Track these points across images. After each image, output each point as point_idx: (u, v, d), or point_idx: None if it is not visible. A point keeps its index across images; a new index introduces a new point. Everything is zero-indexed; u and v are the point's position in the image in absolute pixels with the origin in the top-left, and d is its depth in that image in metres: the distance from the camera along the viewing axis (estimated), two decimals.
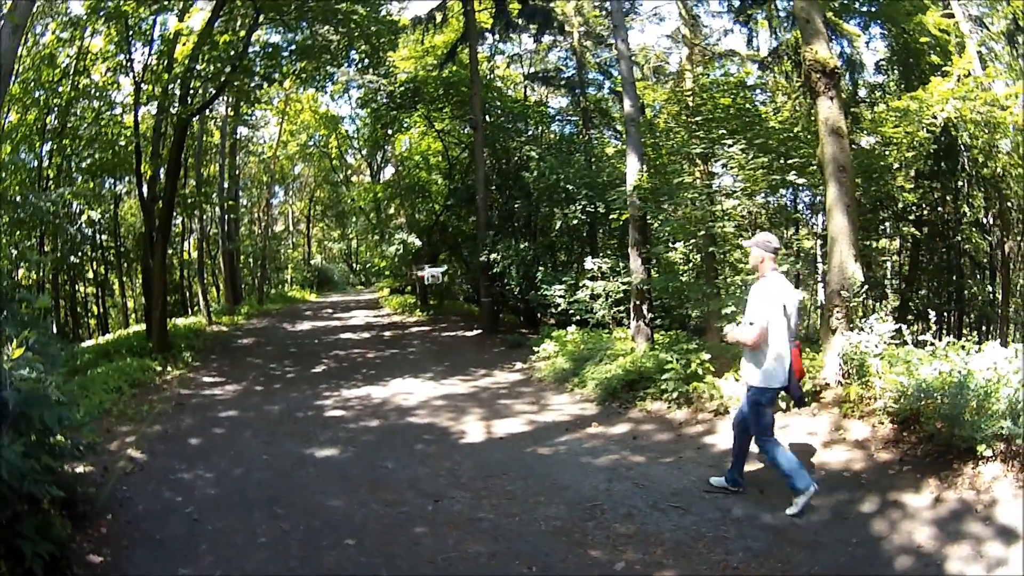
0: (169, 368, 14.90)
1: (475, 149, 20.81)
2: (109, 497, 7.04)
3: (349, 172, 42.28)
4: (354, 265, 56.94)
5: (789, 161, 11.50)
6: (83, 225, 23.69)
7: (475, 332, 20.46)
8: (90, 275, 29.67)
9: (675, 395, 9.91)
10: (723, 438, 8.36)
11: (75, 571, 5.25)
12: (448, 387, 12.98)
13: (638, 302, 13.23)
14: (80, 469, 7.46)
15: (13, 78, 18.89)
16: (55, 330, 21.75)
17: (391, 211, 31.73)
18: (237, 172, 34.65)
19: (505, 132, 22.16)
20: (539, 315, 19.10)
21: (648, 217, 13.15)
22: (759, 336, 6.05)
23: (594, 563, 5.51)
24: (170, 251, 29.34)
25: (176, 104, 16.47)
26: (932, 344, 7.64)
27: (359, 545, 5.96)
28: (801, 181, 11.77)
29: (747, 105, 12.49)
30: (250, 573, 5.51)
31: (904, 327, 8.32)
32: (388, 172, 34.74)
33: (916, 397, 6.93)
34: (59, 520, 5.42)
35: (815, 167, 10.36)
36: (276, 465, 8.35)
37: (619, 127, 22.94)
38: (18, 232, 19.56)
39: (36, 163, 21.19)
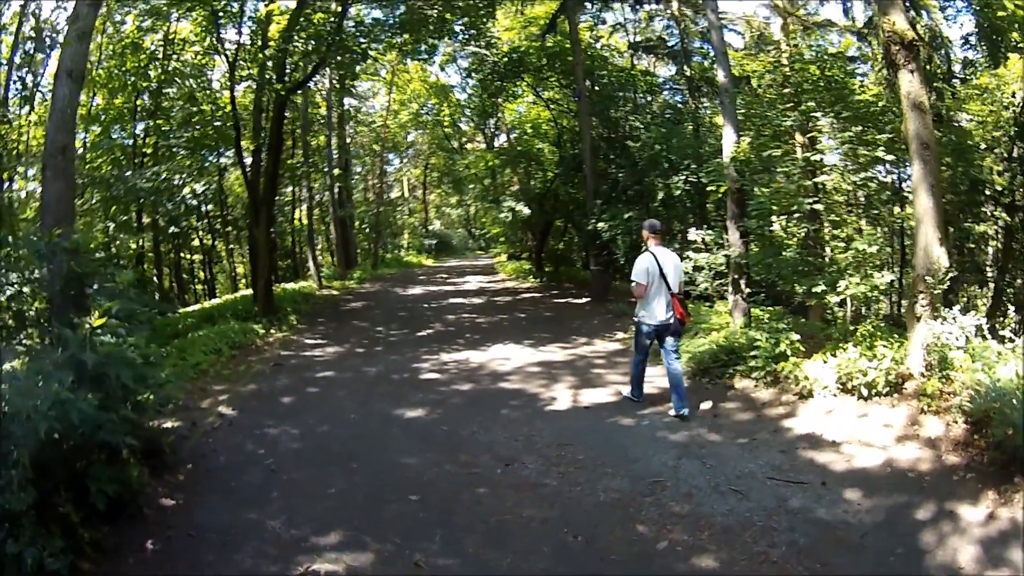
0: (272, 331, 15.34)
1: (580, 119, 20.58)
2: (193, 449, 7.49)
3: (464, 140, 42.54)
4: (473, 230, 57.09)
5: (879, 136, 10.99)
6: (186, 197, 24.53)
7: (584, 300, 20.29)
8: (196, 243, 30.92)
9: (763, 374, 9.74)
10: (802, 421, 8.18)
11: (145, 512, 5.75)
12: (546, 354, 12.90)
13: (736, 276, 12.92)
14: (168, 424, 7.91)
15: (98, 64, 20.02)
16: (158, 297, 22.98)
17: (504, 179, 31.78)
18: (348, 142, 35.28)
19: (611, 101, 21.84)
20: None
21: (752, 189, 12.87)
22: (638, 290, 8.96)
23: (639, 539, 5.54)
24: (281, 219, 30.32)
25: (273, 81, 16.93)
26: (1011, 340, 7.26)
27: (422, 501, 6.20)
28: (890, 157, 11.24)
29: (836, 76, 12.02)
30: (312, 519, 5.81)
31: (986, 320, 7.88)
32: (502, 139, 34.78)
33: (990, 398, 6.42)
34: (137, 468, 5.95)
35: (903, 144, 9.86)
36: (362, 424, 8.68)
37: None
38: (113, 208, 20.63)
39: (132, 142, 22.26)
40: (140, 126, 22.25)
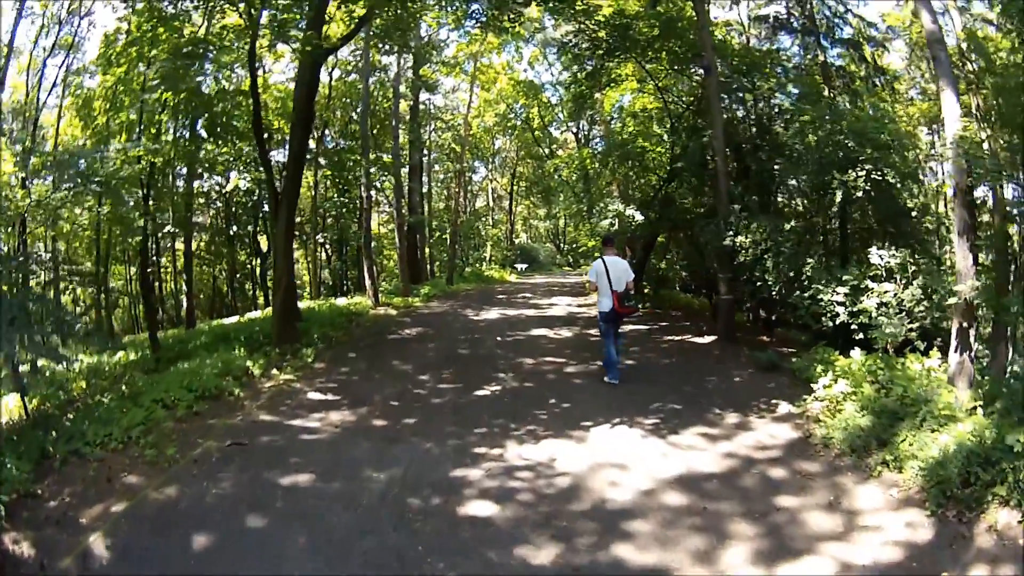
0: (275, 371, 11.52)
1: (710, 98, 15.56)
2: None
3: (554, 146, 40.72)
4: (561, 245, 55.04)
5: None
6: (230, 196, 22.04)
7: (707, 339, 15.13)
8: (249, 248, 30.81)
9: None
10: None
11: None
12: (684, 451, 7.91)
13: (963, 323, 8.25)
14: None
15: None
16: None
17: (601, 182, 27.49)
18: (425, 139, 34.01)
19: (738, 82, 17.04)
20: (775, 319, 14.66)
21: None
22: (590, 287, 15.77)
23: None
24: (350, 226, 27.75)
25: (297, 36, 13.74)
26: None
27: None
28: None
29: None
30: None
31: None
32: (599, 142, 31.99)
33: None
34: None
35: None
36: None
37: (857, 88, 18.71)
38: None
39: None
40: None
